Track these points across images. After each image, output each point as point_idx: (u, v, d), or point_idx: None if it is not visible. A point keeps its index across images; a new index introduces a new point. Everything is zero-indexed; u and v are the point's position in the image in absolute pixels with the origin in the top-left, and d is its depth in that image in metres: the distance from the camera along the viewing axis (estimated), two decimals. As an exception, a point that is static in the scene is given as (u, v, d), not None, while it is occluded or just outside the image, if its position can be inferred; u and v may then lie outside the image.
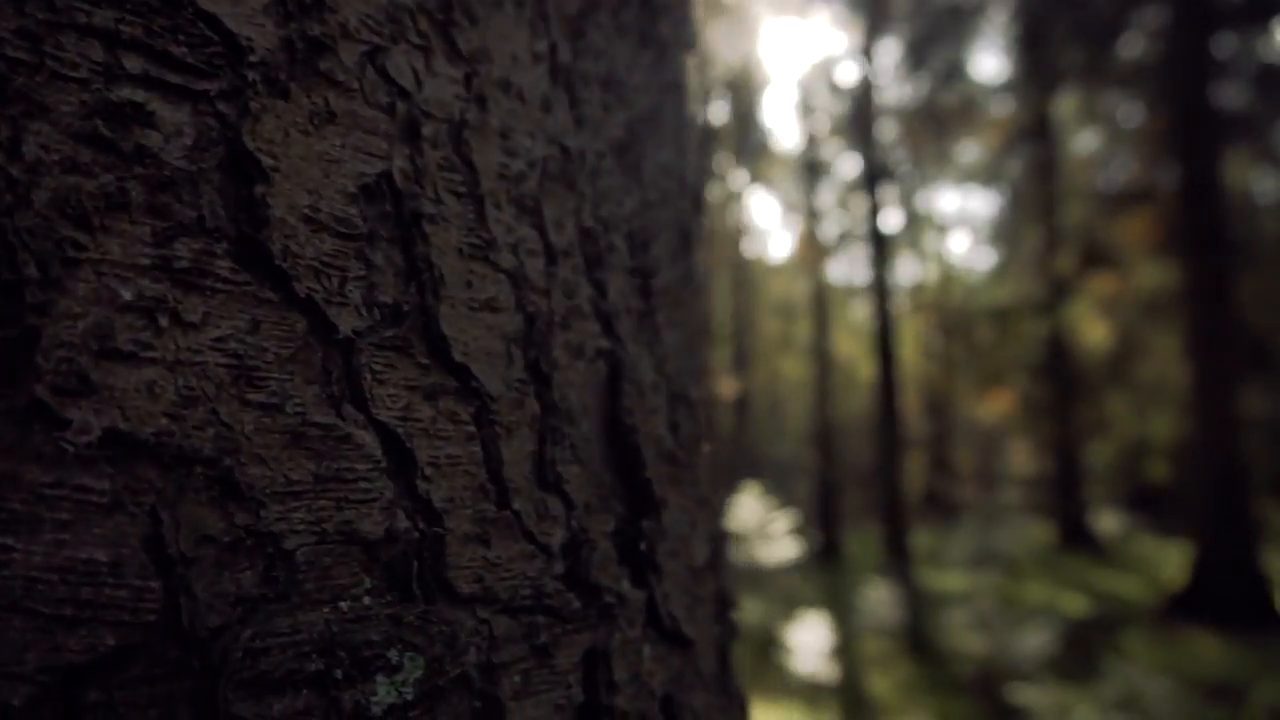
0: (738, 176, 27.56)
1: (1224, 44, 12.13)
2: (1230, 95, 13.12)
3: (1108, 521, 18.20)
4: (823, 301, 15.92)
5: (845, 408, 26.40)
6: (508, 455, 0.48)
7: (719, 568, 0.82)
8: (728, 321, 27.90)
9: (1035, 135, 17.03)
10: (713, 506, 0.79)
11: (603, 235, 0.58)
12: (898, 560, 11.65)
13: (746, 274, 29.14)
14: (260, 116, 0.41)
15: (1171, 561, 13.35)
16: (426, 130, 0.46)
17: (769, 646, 9.24)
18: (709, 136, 22.94)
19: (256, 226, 0.40)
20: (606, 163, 0.61)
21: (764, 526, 10.28)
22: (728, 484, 19.55)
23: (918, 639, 9.48)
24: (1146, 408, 17.85)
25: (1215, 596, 10.03)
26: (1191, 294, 10.97)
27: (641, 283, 0.62)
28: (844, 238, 25.86)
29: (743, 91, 22.11)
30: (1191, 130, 11.02)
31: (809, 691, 7.84)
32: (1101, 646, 8.91)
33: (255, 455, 0.39)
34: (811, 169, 16.51)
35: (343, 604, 0.40)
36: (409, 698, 0.39)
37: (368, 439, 0.41)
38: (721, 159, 24.47)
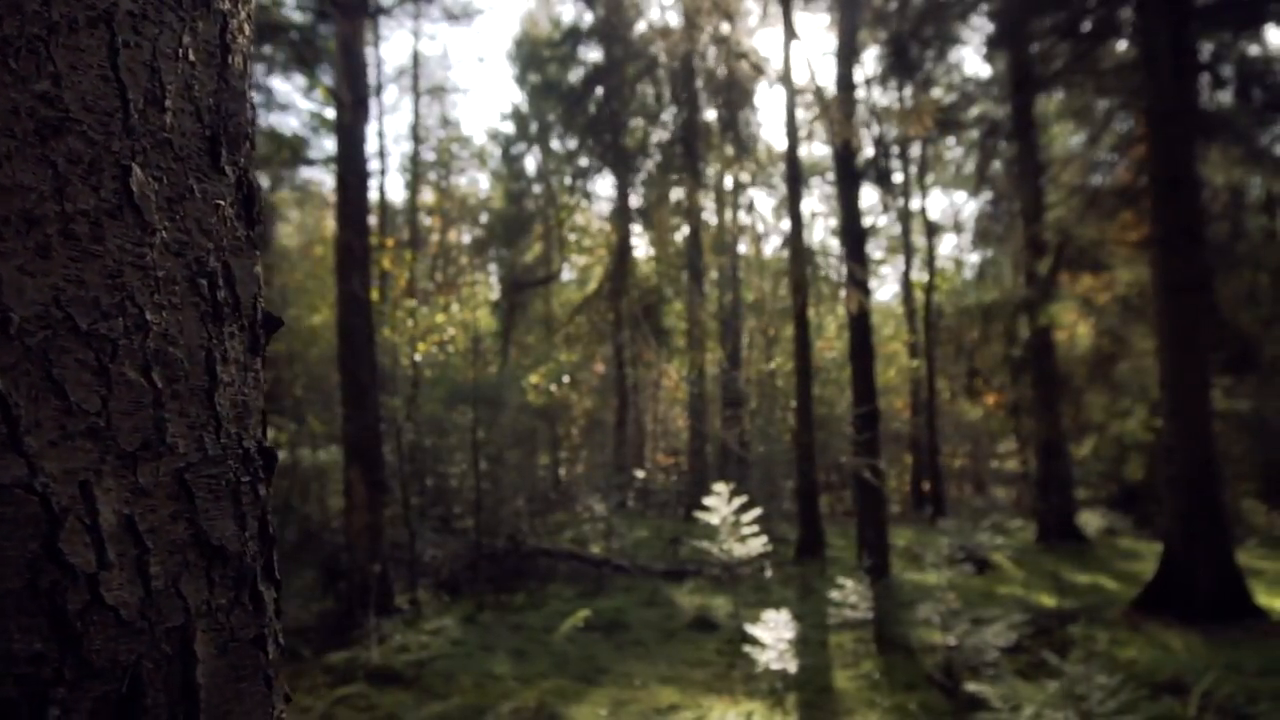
0: (729, 176, 27.63)
1: (1203, 43, 12.15)
2: (1209, 93, 13.15)
3: (1091, 520, 18.21)
4: (804, 299, 15.95)
5: (839, 406, 26.38)
6: None
7: (186, 504, 0.86)
8: (720, 320, 27.93)
9: (1015, 134, 17.05)
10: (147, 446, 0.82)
11: None
12: (875, 557, 11.66)
13: (738, 273, 29.20)
14: None
15: (1150, 559, 13.35)
16: None
17: (735, 641, 9.28)
18: (696, 134, 22.99)
19: None
20: None
21: (734, 523, 10.30)
22: (715, 480, 19.50)
23: (887, 634, 9.51)
24: (1129, 407, 17.86)
25: (1183, 590, 10.04)
26: (1165, 290, 10.98)
27: None
28: (831, 235, 25.90)
29: (732, 92, 22.16)
30: (1167, 128, 11.03)
31: (773, 686, 7.90)
32: (1064, 640, 8.93)
33: None
34: (796, 168, 16.55)
35: None
36: None
37: None
38: (714, 158, 24.53)
